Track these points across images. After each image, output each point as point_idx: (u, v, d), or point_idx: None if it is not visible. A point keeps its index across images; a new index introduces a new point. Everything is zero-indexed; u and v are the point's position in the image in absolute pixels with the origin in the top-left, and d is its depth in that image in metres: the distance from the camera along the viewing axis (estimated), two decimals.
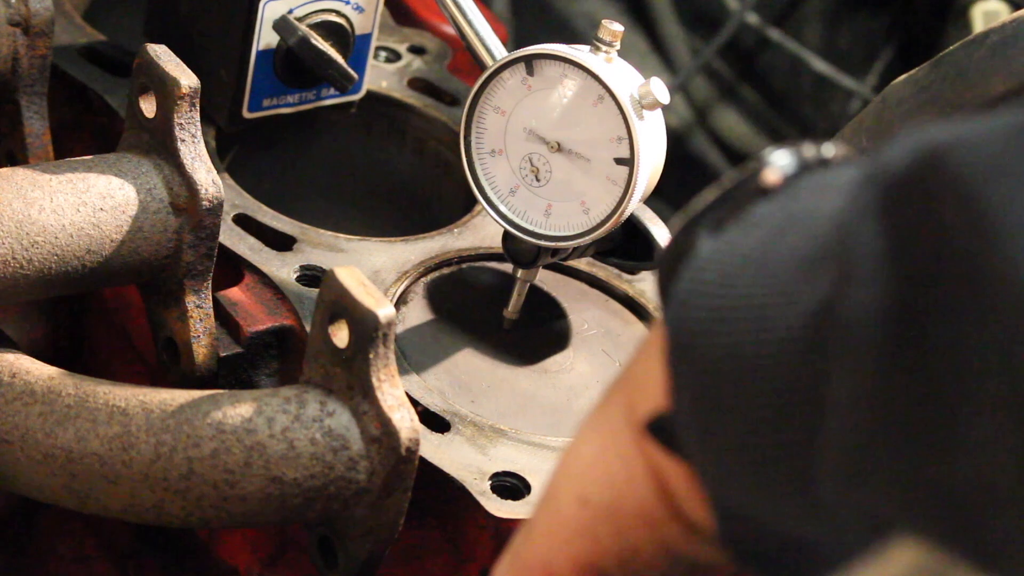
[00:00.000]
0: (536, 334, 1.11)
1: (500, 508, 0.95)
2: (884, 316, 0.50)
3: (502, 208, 1.06)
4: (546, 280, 1.14)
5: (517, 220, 1.05)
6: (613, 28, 1.01)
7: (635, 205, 1.03)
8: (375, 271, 1.10)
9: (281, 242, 1.11)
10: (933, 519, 0.51)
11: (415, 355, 1.06)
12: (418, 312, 1.09)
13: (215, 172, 1.00)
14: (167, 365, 1.05)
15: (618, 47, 1.01)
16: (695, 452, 0.58)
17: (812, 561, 0.59)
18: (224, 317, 1.05)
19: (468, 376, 1.05)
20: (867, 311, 0.50)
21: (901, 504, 0.52)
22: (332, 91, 1.18)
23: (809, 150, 0.59)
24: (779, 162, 0.59)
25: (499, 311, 1.10)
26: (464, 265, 1.14)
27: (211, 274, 1.03)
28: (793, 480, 0.55)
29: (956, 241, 0.49)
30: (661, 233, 1.06)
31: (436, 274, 1.12)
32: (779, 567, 0.59)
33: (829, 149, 0.60)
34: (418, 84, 1.29)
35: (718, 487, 0.58)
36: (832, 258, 0.53)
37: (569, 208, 1.04)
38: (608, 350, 1.11)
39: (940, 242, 0.49)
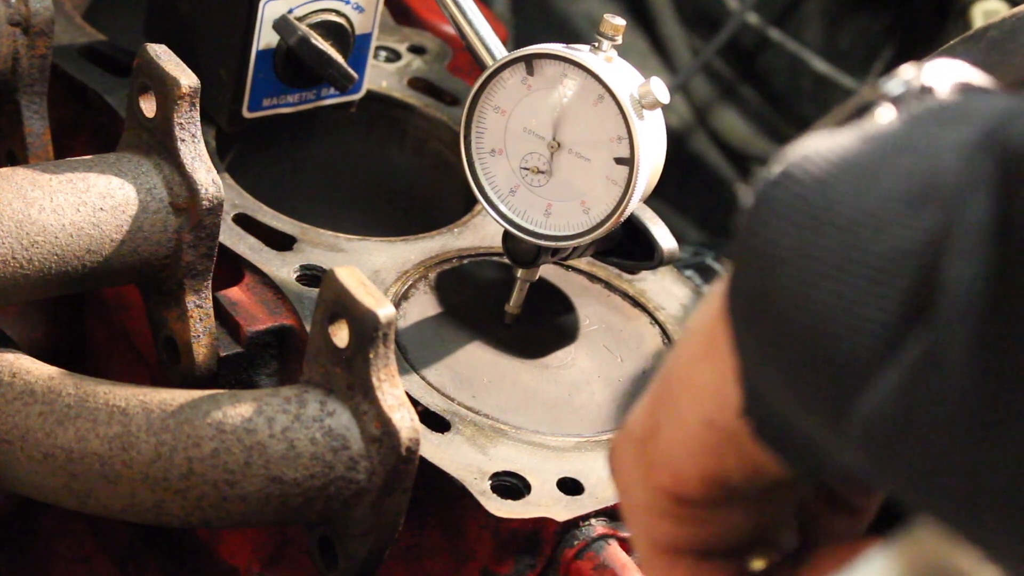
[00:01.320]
0: (538, 329, 1.11)
1: (500, 508, 0.95)
2: (979, 297, 0.49)
3: (502, 208, 1.06)
4: (548, 275, 1.14)
5: (517, 220, 1.05)
6: (615, 22, 1.01)
7: (635, 205, 1.03)
8: (375, 271, 1.10)
9: (281, 242, 1.11)
10: (967, 511, 0.51)
11: (416, 350, 1.06)
12: (419, 307, 1.09)
13: (215, 172, 1.00)
14: (167, 365, 1.05)
15: (619, 41, 1.01)
16: (738, 328, 0.57)
17: (827, 461, 0.58)
18: (224, 317, 1.05)
19: (469, 371, 1.05)
20: (964, 286, 0.49)
21: (932, 486, 0.51)
22: (332, 91, 1.18)
23: (926, 80, 0.58)
24: (902, 77, 0.58)
25: (501, 306, 1.10)
26: (465, 260, 1.14)
27: (211, 274, 1.02)
28: (826, 404, 0.54)
29: None
30: (661, 233, 1.06)
31: (437, 270, 1.12)
32: (796, 454, 0.59)
33: (955, 75, 0.58)
34: (418, 84, 1.29)
35: (750, 371, 0.58)
36: (937, 206, 0.51)
37: (569, 208, 1.04)
38: (609, 345, 1.11)
39: None
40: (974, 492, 0.50)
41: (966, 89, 0.58)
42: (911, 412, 0.51)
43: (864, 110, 0.58)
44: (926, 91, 0.58)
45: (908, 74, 0.59)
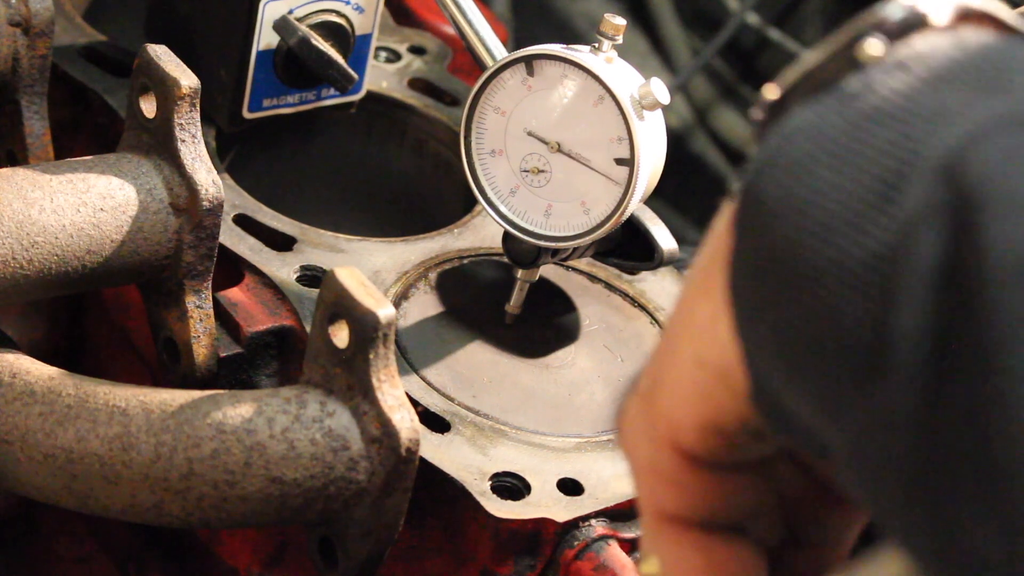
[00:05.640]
0: (538, 329, 1.11)
1: (500, 508, 0.95)
2: (924, 352, 0.48)
3: (502, 208, 1.06)
4: (548, 275, 1.14)
5: (517, 220, 1.05)
6: (615, 22, 1.01)
7: (635, 205, 1.03)
8: (375, 271, 1.10)
9: (281, 242, 1.11)
10: (922, 537, 0.51)
11: (416, 350, 1.06)
12: (419, 307, 1.09)
13: (215, 172, 1.00)
14: (167, 365, 1.05)
15: (620, 41, 1.01)
16: (739, 316, 0.57)
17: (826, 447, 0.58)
18: (224, 317, 1.05)
19: (469, 371, 1.05)
20: (910, 340, 0.48)
21: (894, 505, 0.52)
22: (332, 91, 1.18)
23: (916, 10, 0.56)
24: (891, 16, 0.55)
25: (501, 306, 1.10)
26: (465, 260, 1.14)
27: (211, 274, 1.02)
28: (814, 386, 0.54)
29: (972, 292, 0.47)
30: (661, 233, 1.06)
31: (438, 269, 1.13)
32: (804, 438, 0.58)
33: (956, 3, 0.56)
34: (418, 84, 1.29)
35: (751, 356, 0.57)
36: (893, 220, 0.50)
37: (569, 208, 1.04)
38: (610, 345, 1.11)
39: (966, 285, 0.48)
40: (930, 527, 0.50)
41: (963, 14, 0.56)
42: (864, 459, 0.51)
43: (859, 38, 0.57)
44: (922, 18, 0.56)
45: (903, 6, 0.56)
